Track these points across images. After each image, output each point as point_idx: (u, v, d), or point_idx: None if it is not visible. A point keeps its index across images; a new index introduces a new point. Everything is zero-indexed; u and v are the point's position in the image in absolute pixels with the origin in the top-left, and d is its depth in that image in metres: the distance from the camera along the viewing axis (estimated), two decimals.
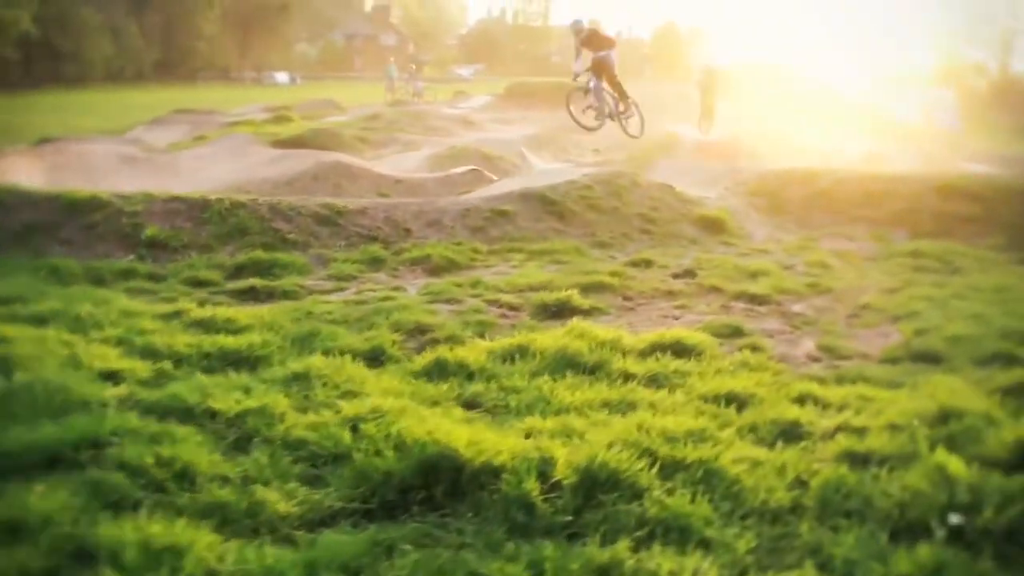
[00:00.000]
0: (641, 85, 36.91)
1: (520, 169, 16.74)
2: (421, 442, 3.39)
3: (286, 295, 6.82)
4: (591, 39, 13.77)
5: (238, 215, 8.28)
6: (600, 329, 5.56)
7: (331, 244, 8.21)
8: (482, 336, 5.57)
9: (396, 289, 7.05)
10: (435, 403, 4.27)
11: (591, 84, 13.64)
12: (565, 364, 4.88)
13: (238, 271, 7.39)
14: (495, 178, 13.73)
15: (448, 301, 6.65)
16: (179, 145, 18.32)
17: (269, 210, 8.39)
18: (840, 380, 5.02)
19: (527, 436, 3.76)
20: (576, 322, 5.65)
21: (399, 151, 19.06)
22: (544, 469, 3.29)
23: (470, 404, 4.31)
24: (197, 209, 8.30)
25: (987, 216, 10.34)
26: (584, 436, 3.70)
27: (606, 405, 4.25)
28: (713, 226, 9.92)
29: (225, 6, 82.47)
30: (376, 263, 7.81)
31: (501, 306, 6.54)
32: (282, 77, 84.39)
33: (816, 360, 5.62)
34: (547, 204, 9.39)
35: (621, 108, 14.07)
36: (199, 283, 7.08)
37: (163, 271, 7.40)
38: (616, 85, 13.94)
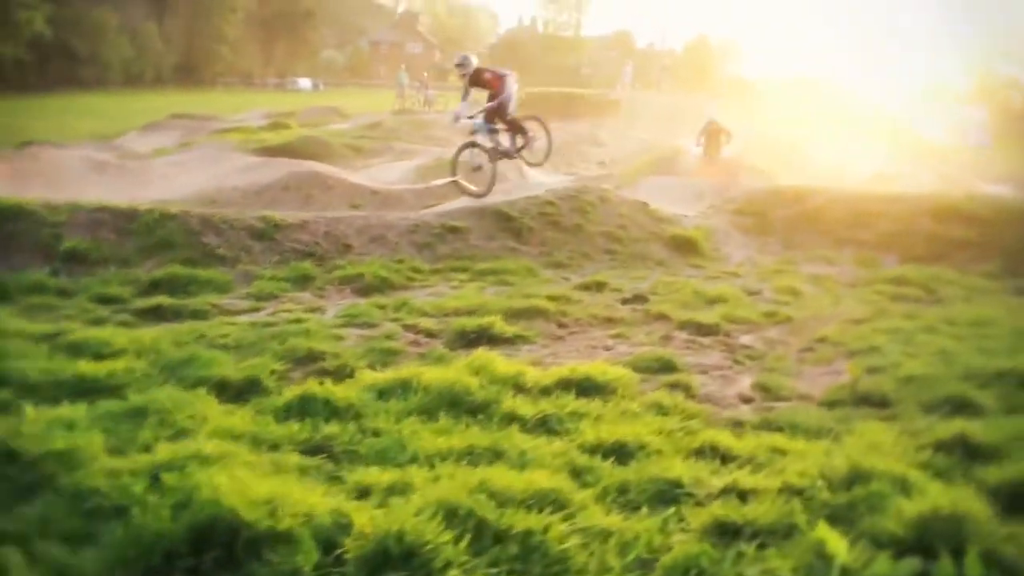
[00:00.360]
0: (657, 98, 36.46)
1: (511, 181, 16.29)
2: (202, 500, 2.97)
3: (194, 315, 6.45)
4: (478, 78, 11.98)
5: (166, 227, 7.95)
6: (504, 362, 5.12)
7: (262, 260, 7.85)
8: (376, 367, 5.15)
9: (314, 310, 6.65)
10: (274, 447, 3.86)
11: (478, 136, 11.88)
12: (447, 403, 4.45)
13: (152, 287, 7.04)
14: (475, 189, 13.30)
15: (363, 325, 6.24)
16: (163, 151, 18.14)
17: (200, 223, 8.04)
18: (762, 426, 4.57)
19: (354, 493, 3.35)
20: (480, 353, 5.22)
21: (391, 161, 18.73)
22: (336, 537, 2.86)
23: (316, 449, 3.89)
24: (123, 220, 7.98)
25: (983, 240, 9.78)
26: (414, 494, 3.26)
27: (468, 454, 3.81)
28: (684, 247, 9.44)
29: (249, 11, 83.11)
30: (304, 281, 7.43)
31: (418, 332, 6.12)
32: (305, 83, 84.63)
33: (747, 401, 5.14)
34: (503, 220, 8.97)
35: (519, 143, 12.06)
36: (107, 300, 6.74)
37: (75, 286, 7.07)
38: (511, 123, 11.98)
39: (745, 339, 6.39)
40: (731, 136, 18.14)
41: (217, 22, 77.14)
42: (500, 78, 11.93)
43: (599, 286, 7.72)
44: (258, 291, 7.10)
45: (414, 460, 3.71)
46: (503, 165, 16.01)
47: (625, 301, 7.24)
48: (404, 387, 4.60)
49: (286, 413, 4.29)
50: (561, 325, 6.52)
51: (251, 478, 3.24)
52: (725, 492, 3.53)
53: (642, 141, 29.15)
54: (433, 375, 4.72)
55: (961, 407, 4.86)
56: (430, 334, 6.12)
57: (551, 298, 7.03)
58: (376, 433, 4.06)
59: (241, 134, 20.23)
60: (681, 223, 10.07)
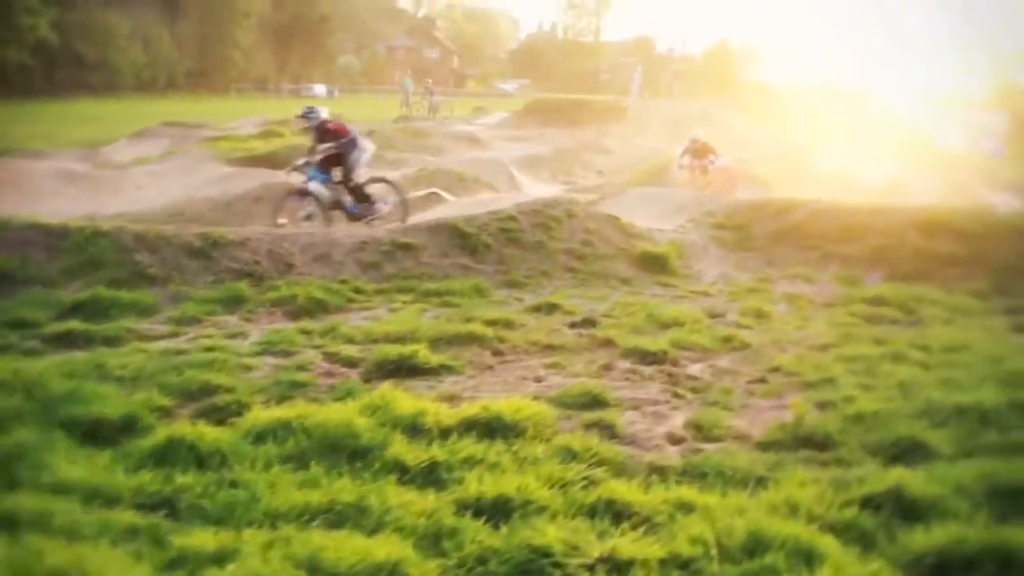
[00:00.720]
0: (667, 104, 35.98)
1: (500, 192, 15.96)
2: None
3: (106, 341, 6.13)
4: (323, 132, 11.31)
5: (98, 245, 7.64)
6: (409, 399, 4.76)
7: (196, 280, 7.52)
8: (273, 403, 4.81)
9: (235, 336, 6.32)
10: (112, 502, 3.50)
11: (311, 184, 11.00)
12: (327, 448, 4.09)
13: (73, 311, 6.72)
14: (452, 199, 12.99)
15: (280, 353, 5.90)
16: (145, 160, 17.93)
17: (134, 240, 7.73)
18: (684, 473, 4.18)
19: (169, 563, 3.00)
20: (385, 389, 4.85)
21: (376, 171, 18.38)
22: None
23: (160, 504, 3.53)
24: (55, 238, 7.68)
25: (973, 256, 9.30)
26: (232, 565, 2.90)
27: (326, 512, 3.44)
28: (654, 264, 9.02)
29: (263, 16, 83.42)
30: (235, 303, 7.08)
31: (336, 361, 5.77)
32: (319, 89, 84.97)
33: (676, 442, 4.74)
34: (459, 237, 8.58)
35: (365, 212, 11.18)
36: (20, 325, 6.43)
37: None
38: (353, 189, 11.25)
39: (693, 368, 5.99)
40: (717, 155, 17.57)
41: (230, 28, 77.57)
42: (345, 131, 11.46)
43: (550, 308, 7.33)
44: (182, 314, 6.76)
45: (256, 521, 3.35)
46: (478, 184, 15.81)
47: (573, 325, 6.85)
48: (285, 429, 4.25)
49: (146, 459, 3.94)
50: (496, 353, 6.14)
51: (50, 546, 2.89)
52: (600, 563, 3.14)
53: (647, 149, 28.75)
54: (323, 415, 4.37)
55: (909, 450, 4.47)
56: (350, 363, 5.76)
57: (492, 323, 6.66)
58: (234, 484, 3.70)
59: (229, 142, 20.02)
60: (654, 238, 9.65)
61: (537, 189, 18.93)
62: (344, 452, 4.06)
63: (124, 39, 64.53)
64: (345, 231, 8.79)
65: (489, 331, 6.40)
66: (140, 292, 7.12)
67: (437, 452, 4.10)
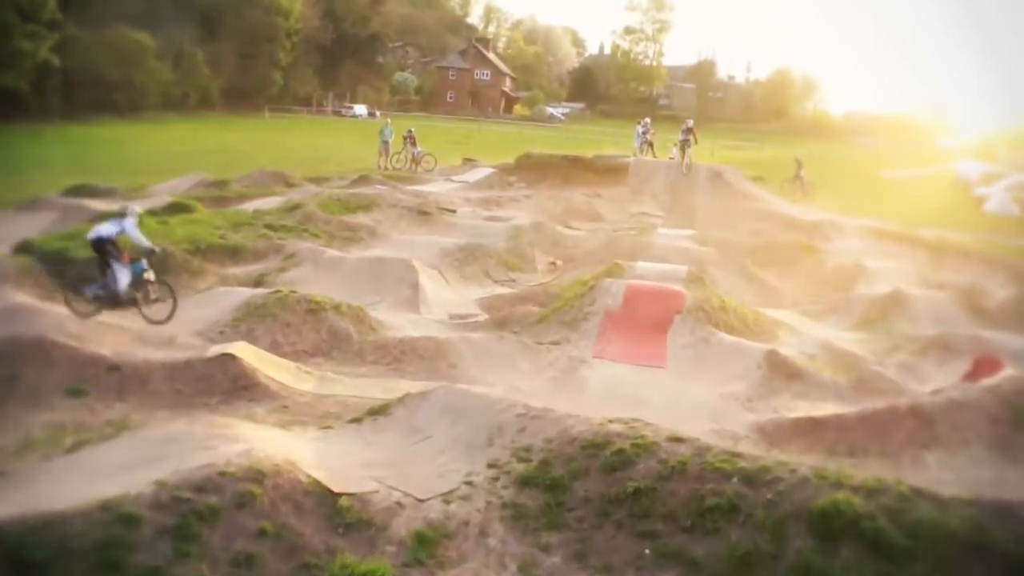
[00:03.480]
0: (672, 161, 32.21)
1: (373, 320, 12.73)
2: None
3: None
4: None
5: None
6: None
7: None
8: None
9: None
10: None
11: None
12: None
13: None
14: (261, 357, 9.84)
15: None
16: None
17: None
18: None
19: None
20: None
21: (262, 271, 15.32)
22: None
23: None
24: None
25: None
26: None
27: None
28: None
29: (308, 34, 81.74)
30: None
31: None
32: (360, 110, 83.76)
33: None
34: (20, 568, 5.40)
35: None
36: None
37: None
38: None
39: None
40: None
41: (269, 47, 75.91)
42: None
43: None
44: None
45: None
46: (340, 314, 12.57)
47: None
48: None
49: None
50: None
51: None
52: None
53: (639, 218, 25.29)
54: None
55: None
56: None
57: None
58: None
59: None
60: (387, 530, 6.32)
61: (452, 296, 15.64)
62: None
63: (152, 58, 63.00)
64: None
65: None
66: None
67: None
